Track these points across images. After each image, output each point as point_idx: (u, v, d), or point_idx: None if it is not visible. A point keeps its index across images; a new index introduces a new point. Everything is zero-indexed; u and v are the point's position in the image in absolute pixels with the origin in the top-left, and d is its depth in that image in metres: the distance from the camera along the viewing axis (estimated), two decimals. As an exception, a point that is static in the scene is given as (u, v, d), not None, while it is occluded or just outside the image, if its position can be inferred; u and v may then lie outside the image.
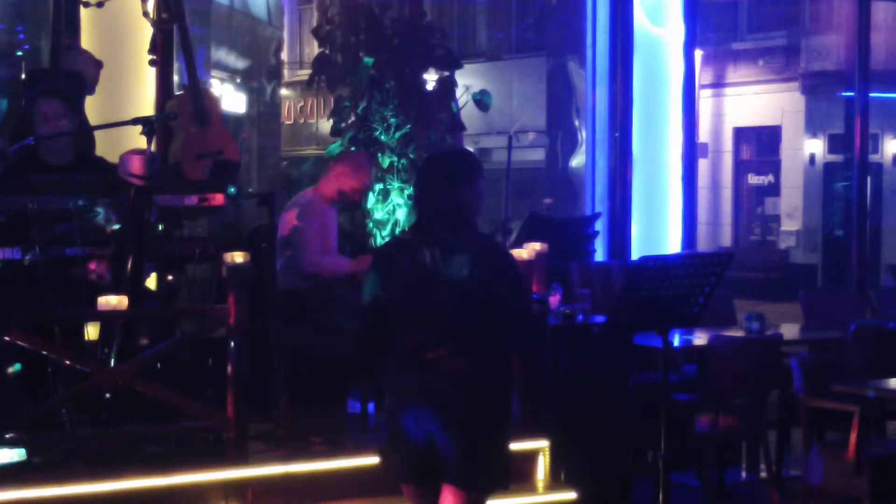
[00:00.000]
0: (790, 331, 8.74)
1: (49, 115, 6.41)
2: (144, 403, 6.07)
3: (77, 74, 7.59)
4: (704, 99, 22.99)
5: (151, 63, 8.00)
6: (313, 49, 12.25)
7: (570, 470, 6.67)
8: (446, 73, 9.44)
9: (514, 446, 6.52)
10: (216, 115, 7.65)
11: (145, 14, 7.81)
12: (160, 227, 6.44)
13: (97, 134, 7.11)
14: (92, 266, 6.10)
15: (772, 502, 7.60)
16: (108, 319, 6.01)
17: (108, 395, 6.02)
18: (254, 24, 23.50)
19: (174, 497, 5.78)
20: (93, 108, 7.63)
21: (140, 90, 8.60)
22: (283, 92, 26.56)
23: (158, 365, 6.20)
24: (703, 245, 19.17)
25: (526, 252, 6.88)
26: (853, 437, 6.45)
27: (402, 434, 4.54)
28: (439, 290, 4.48)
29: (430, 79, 9.52)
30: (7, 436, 5.76)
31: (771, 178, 24.64)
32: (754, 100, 24.22)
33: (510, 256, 4.71)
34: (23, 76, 8.14)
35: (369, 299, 4.59)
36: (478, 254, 4.49)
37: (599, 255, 9.97)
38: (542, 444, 6.54)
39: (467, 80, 13.44)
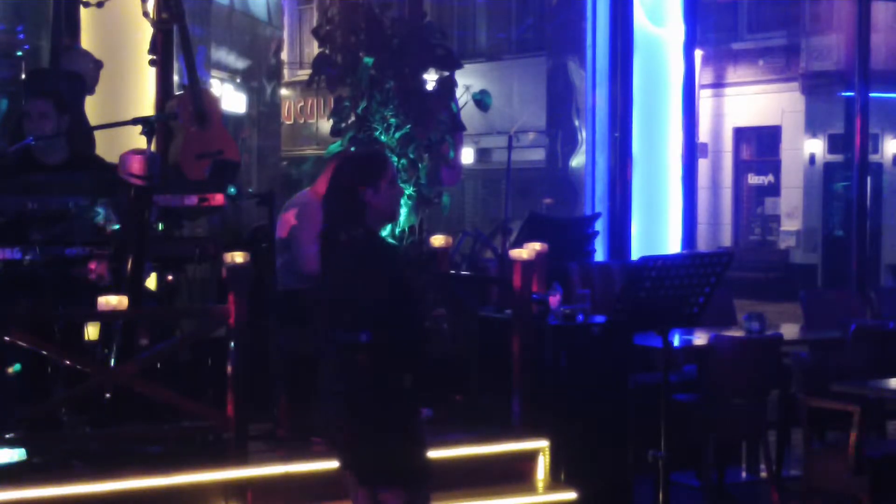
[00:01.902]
0: (790, 331, 8.74)
1: (33, 114, 6.41)
2: (144, 403, 6.07)
3: (77, 74, 7.59)
4: (704, 99, 22.97)
5: (151, 63, 8.00)
6: (313, 49, 12.24)
7: (570, 470, 6.67)
8: (446, 73, 9.42)
9: (514, 446, 6.57)
10: (216, 115, 7.65)
11: (145, 14, 7.81)
12: (160, 227, 6.44)
13: (97, 134, 7.11)
14: (92, 266, 6.10)
15: (772, 502, 7.60)
16: (108, 319, 6.01)
17: (108, 395, 6.02)
18: (254, 24, 23.47)
19: (174, 497, 5.78)
20: (93, 108, 7.63)
21: (140, 90, 8.60)
22: (283, 92, 26.54)
23: (158, 365, 6.20)
24: (703, 245, 19.16)
25: (526, 252, 6.87)
26: (853, 437, 6.45)
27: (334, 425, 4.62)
28: (334, 291, 4.57)
29: (430, 79, 9.50)
30: (7, 436, 5.77)
31: (771, 178, 24.62)
32: (754, 100, 24.21)
33: (392, 258, 4.68)
34: (23, 76, 8.15)
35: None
36: (359, 255, 4.53)
37: (599, 255, 9.97)
38: (542, 444, 6.54)
39: (467, 80, 13.44)
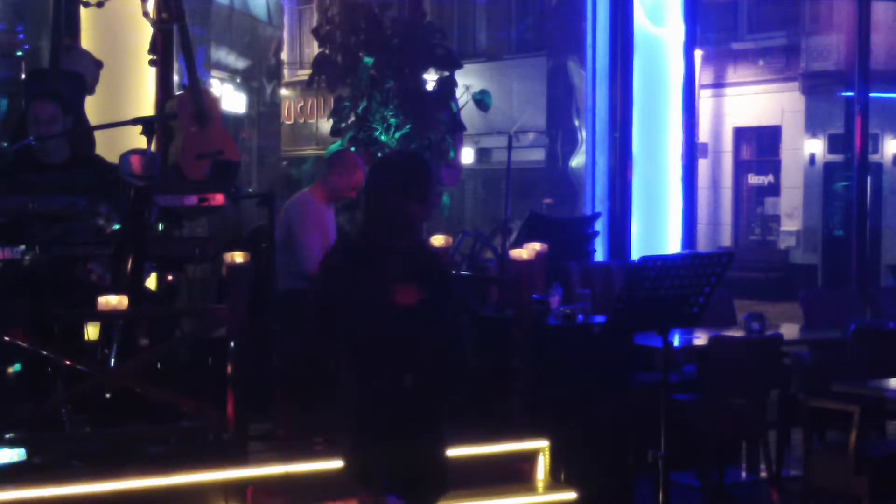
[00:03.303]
0: (790, 331, 8.74)
1: (42, 118, 6.41)
2: (144, 403, 6.07)
3: (77, 75, 7.59)
4: (704, 99, 22.97)
5: (151, 63, 8.00)
6: (313, 49, 12.24)
7: (570, 470, 6.67)
8: (446, 73, 9.44)
9: (514, 446, 6.57)
10: (216, 115, 7.64)
11: (145, 14, 7.81)
12: (160, 227, 6.44)
13: (97, 134, 7.11)
14: (92, 266, 6.10)
15: (772, 502, 7.60)
16: (108, 319, 6.01)
17: (108, 395, 6.02)
18: (254, 24, 23.50)
19: (174, 497, 5.78)
20: (93, 108, 7.63)
21: (140, 90, 8.60)
22: (283, 92, 26.56)
23: (158, 365, 6.20)
24: (703, 245, 19.17)
25: (526, 252, 6.87)
26: (853, 437, 6.45)
27: (367, 442, 4.51)
28: (385, 303, 4.42)
29: (430, 79, 9.52)
30: (7, 436, 5.77)
31: (771, 178, 24.62)
32: (754, 100, 24.21)
33: (446, 268, 4.68)
34: (23, 76, 8.15)
35: (322, 294, 4.54)
36: (419, 268, 4.45)
37: (599, 255, 9.97)
38: (542, 444, 6.54)
39: (467, 80, 13.43)
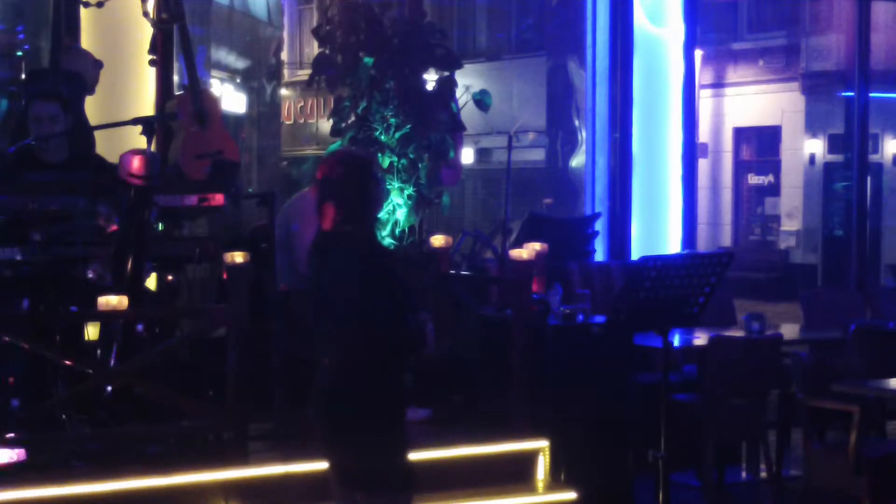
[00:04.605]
0: (790, 331, 8.74)
1: (43, 117, 6.41)
2: (144, 403, 6.07)
3: (77, 75, 7.59)
4: (704, 99, 22.98)
5: (151, 63, 8.00)
6: (313, 49, 12.23)
7: (570, 470, 6.67)
8: (446, 73, 9.42)
9: (514, 446, 6.58)
10: (216, 115, 7.65)
11: (145, 14, 7.81)
12: (160, 227, 6.44)
13: (97, 134, 7.11)
14: (92, 266, 6.10)
15: (772, 502, 7.60)
16: (108, 319, 6.01)
17: (108, 395, 6.02)
18: (254, 24, 23.51)
19: (174, 497, 5.78)
20: (93, 108, 7.63)
21: (140, 90, 8.60)
22: (283, 92, 26.56)
23: (158, 365, 6.20)
24: (703, 245, 19.17)
25: (526, 252, 6.87)
26: (853, 437, 6.45)
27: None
28: (332, 294, 4.52)
29: (430, 79, 9.50)
30: (7, 436, 5.77)
31: (771, 178, 24.63)
32: (754, 100, 24.21)
33: (387, 259, 4.70)
34: (23, 76, 8.15)
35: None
36: (358, 257, 4.51)
37: (599, 255, 9.97)
38: (542, 444, 6.54)
39: (467, 80, 13.42)
